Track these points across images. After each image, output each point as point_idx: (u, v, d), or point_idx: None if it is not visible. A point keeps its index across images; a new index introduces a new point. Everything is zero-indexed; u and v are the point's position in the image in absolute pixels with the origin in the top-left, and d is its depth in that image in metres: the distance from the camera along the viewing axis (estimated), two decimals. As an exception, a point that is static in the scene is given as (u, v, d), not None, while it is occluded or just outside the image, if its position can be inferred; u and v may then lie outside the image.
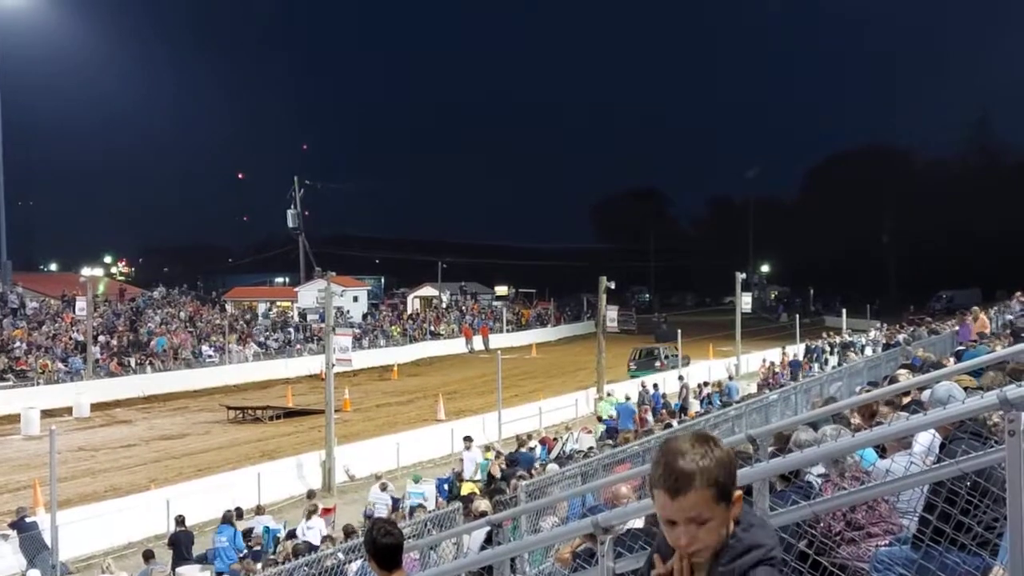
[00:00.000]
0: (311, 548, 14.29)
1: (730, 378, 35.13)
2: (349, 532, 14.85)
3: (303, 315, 58.23)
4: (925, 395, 6.98)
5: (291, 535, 17.02)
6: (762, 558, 2.21)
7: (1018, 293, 23.95)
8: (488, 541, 8.39)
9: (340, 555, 10.83)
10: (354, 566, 10.04)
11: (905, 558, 4.22)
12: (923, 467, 4.27)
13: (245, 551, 16.48)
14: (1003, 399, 3.17)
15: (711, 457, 2.16)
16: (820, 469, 5.83)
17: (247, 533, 16.96)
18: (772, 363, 37.62)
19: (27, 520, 16.97)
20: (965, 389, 6.54)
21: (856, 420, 7.42)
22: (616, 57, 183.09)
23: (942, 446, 4.73)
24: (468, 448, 22.99)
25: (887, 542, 4.59)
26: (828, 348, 39.68)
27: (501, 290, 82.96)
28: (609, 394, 31.15)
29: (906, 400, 7.59)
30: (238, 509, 18.04)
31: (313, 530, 17.27)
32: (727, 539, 2.22)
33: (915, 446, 5.37)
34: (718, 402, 27.00)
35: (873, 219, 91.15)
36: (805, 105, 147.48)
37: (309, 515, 18.12)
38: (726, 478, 2.17)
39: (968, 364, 7.83)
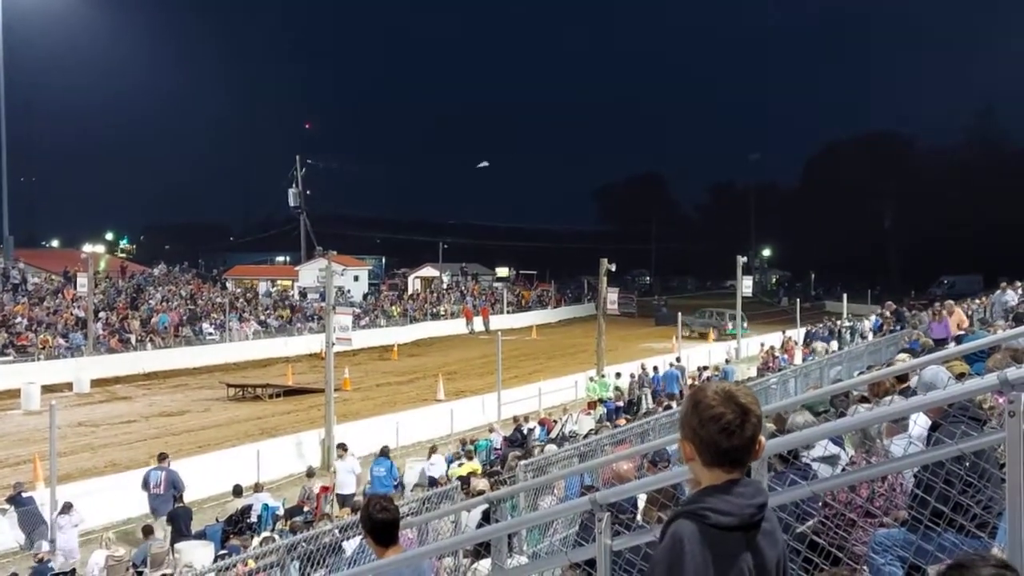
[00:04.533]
0: (433, 483, 15.67)
1: (727, 362, 35.11)
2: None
3: (303, 294, 58.28)
4: (914, 380, 7.00)
5: (292, 513, 17.01)
6: None
7: (1004, 283, 23.91)
8: (486, 519, 8.40)
9: (337, 532, 10.83)
10: (352, 543, 10.03)
11: (903, 540, 4.22)
12: (922, 449, 4.26)
13: (399, 479, 17.87)
14: (1004, 380, 3.15)
15: None
16: (816, 453, 5.84)
17: (245, 510, 16.98)
18: (772, 347, 37.59)
19: (24, 495, 17.05)
20: (960, 375, 6.56)
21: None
22: (619, 44, 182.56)
23: (932, 428, 4.72)
24: (341, 457, 19.32)
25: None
26: (830, 333, 39.36)
27: (502, 271, 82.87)
28: (602, 375, 31.06)
29: (904, 385, 7.60)
30: (237, 486, 18.09)
31: (436, 466, 18.49)
32: None
33: (915, 429, 5.37)
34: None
35: (874, 205, 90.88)
36: (807, 92, 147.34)
37: (430, 454, 19.39)
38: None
39: (965, 347, 7.84)
